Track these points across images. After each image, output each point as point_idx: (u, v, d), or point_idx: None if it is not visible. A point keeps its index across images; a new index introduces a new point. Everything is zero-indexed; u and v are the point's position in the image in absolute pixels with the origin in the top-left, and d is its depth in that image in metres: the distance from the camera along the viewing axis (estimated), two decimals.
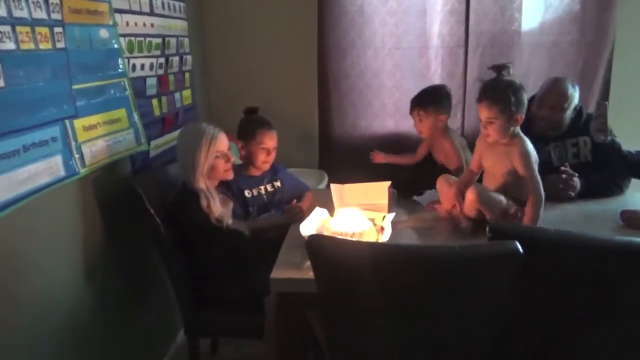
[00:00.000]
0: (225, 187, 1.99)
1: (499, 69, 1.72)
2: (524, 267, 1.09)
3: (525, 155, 1.69)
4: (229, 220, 1.84)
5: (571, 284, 1.20)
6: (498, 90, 1.67)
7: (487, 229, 1.23)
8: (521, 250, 1.07)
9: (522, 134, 1.73)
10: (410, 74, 2.80)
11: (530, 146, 1.71)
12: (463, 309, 1.18)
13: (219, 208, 1.82)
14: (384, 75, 2.82)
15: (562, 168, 2.00)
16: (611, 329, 1.25)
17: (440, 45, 2.76)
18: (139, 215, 1.81)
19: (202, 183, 1.83)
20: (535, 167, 1.69)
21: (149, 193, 1.81)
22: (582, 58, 2.69)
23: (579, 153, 2.12)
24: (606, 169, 2.06)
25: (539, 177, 1.68)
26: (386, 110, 2.87)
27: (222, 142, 1.87)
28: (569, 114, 2.12)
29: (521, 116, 1.68)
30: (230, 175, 1.93)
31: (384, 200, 1.88)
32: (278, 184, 2.15)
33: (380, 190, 1.89)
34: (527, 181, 1.68)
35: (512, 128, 1.69)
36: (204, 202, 1.79)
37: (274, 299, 1.61)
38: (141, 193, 1.79)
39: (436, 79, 2.78)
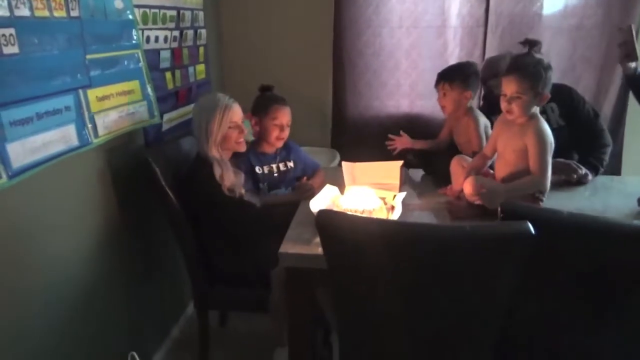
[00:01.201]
0: (237, 161, 1.99)
1: (531, 44, 1.66)
2: (535, 249, 1.08)
3: (540, 132, 1.64)
4: (241, 191, 1.85)
5: (583, 268, 1.18)
6: (529, 65, 1.62)
7: (499, 209, 1.22)
8: (533, 231, 1.05)
9: (539, 115, 1.69)
10: (427, 54, 2.77)
11: (547, 127, 1.68)
12: (471, 288, 1.17)
13: (231, 178, 1.84)
14: (400, 54, 2.78)
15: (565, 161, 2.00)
16: (621, 318, 1.23)
17: (459, 25, 2.71)
18: (151, 187, 1.82)
19: (216, 152, 1.85)
20: (549, 149, 1.65)
21: (161, 166, 1.82)
22: (605, 40, 2.62)
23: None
24: (581, 140, 2.11)
25: (549, 161, 1.65)
26: (401, 90, 2.84)
27: (236, 112, 1.89)
28: None
29: (547, 95, 1.64)
30: (242, 147, 1.94)
31: (396, 180, 1.87)
32: (291, 164, 2.15)
33: (392, 170, 1.88)
34: (535, 160, 1.64)
35: (534, 107, 1.66)
36: (217, 171, 1.82)
37: (281, 273, 1.62)
38: (153, 165, 1.79)
39: (453, 60, 2.73)
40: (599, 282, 1.20)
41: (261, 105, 2.07)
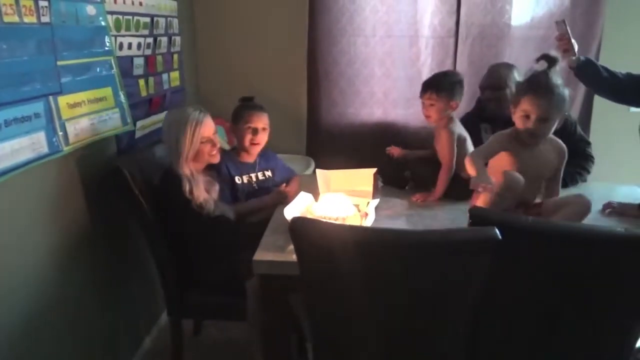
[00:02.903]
0: (215, 170, 1.99)
1: (551, 61, 1.60)
2: (502, 255, 1.11)
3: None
4: (210, 207, 1.83)
5: (548, 274, 1.22)
6: (557, 87, 1.56)
7: (468, 214, 1.25)
8: (499, 236, 1.08)
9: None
10: (400, 62, 2.81)
11: None
12: (442, 292, 1.19)
13: (202, 194, 1.82)
14: (374, 63, 2.82)
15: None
16: (585, 322, 1.27)
17: (430, 35, 2.76)
18: (123, 195, 1.80)
19: (186, 169, 1.83)
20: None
21: (133, 174, 1.80)
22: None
23: None
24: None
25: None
26: (374, 98, 2.88)
27: (208, 127, 1.87)
28: (509, 92, 2.24)
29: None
30: (216, 159, 1.93)
31: (369, 187, 1.89)
32: (269, 173, 2.16)
33: (365, 177, 1.90)
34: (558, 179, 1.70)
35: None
36: (186, 188, 1.79)
37: (255, 282, 1.62)
38: (126, 173, 1.78)
39: (426, 69, 2.79)
40: (559, 288, 1.23)
41: (236, 113, 2.09)
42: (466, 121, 2.16)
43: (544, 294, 1.24)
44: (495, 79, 2.32)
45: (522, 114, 1.61)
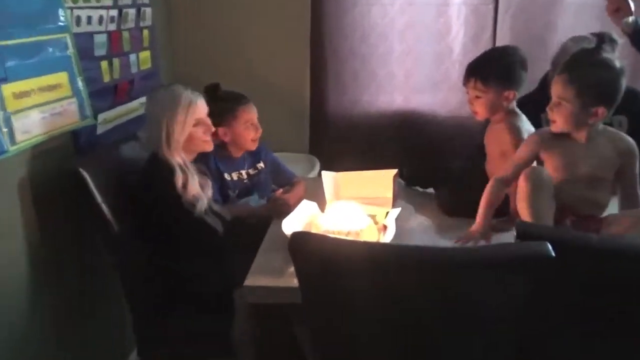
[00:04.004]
0: (203, 164, 2.03)
1: (602, 39, 1.59)
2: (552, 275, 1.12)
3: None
4: (203, 205, 1.87)
5: (610, 298, 1.22)
6: (586, 66, 1.58)
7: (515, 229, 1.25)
8: (552, 253, 1.08)
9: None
10: (426, 36, 2.81)
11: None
12: (481, 320, 1.19)
13: (196, 187, 1.87)
14: (393, 37, 2.82)
15: None
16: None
17: (463, 1, 2.76)
18: (83, 204, 1.80)
19: (178, 156, 1.88)
20: None
21: (95, 177, 1.81)
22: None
23: None
24: None
25: None
26: (395, 82, 2.88)
27: (201, 108, 1.94)
28: None
29: (603, 110, 1.59)
30: (209, 147, 2.00)
31: (389, 193, 1.88)
32: (261, 164, 2.24)
33: (383, 181, 1.89)
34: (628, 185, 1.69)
35: (590, 121, 1.63)
36: (179, 179, 1.83)
37: (247, 305, 1.62)
38: (86, 177, 1.78)
39: (457, 45, 2.78)
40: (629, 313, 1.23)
41: (224, 112, 2.09)
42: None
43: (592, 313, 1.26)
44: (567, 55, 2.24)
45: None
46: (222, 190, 2.12)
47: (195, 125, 1.91)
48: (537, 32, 2.71)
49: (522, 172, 1.64)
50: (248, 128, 2.12)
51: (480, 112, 1.88)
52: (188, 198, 1.84)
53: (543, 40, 2.70)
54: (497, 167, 1.86)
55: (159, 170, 1.86)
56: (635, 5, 1.94)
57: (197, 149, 1.97)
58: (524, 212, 1.60)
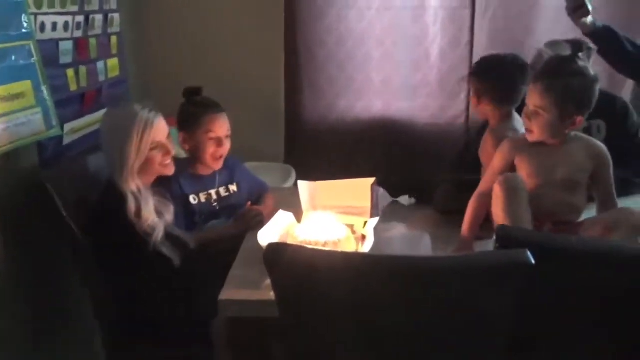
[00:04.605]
0: (165, 187, 1.97)
1: (576, 47, 1.67)
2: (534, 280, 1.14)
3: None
4: (160, 233, 1.81)
5: (592, 301, 1.25)
6: (563, 75, 1.63)
7: (495, 236, 1.27)
8: (532, 260, 1.10)
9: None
10: (403, 41, 2.84)
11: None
12: (461, 330, 1.21)
13: (151, 215, 1.81)
14: (371, 42, 2.84)
15: None
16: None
17: (439, 5, 2.80)
18: (49, 220, 1.79)
19: (132, 184, 1.81)
20: None
21: (62, 191, 1.79)
22: (616, 22, 2.73)
23: None
24: (627, 162, 2.07)
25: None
26: (372, 87, 2.90)
27: (160, 130, 1.86)
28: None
29: (581, 119, 1.66)
30: (170, 170, 1.92)
31: (366, 202, 1.90)
32: (234, 187, 2.15)
33: (361, 189, 1.90)
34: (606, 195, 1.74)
35: (566, 131, 1.69)
36: (131, 208, 1.77)
37: (224, 327, 1.62)
38: (51, 191, 1.77)
39: (435, 49, 2.82)
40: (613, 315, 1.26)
41: (189, 117, 2.05)
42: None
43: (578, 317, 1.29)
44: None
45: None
46: (187, 217, 2.03)
47: (152, 149, 1.83)
48: (515, 37, 2.75)
49: (497, 180, 1.67)
50: (210, 140, 2.02)
51: (482, 115, 2.07)
52: (143, 228, 1.77)
53: (521, 45, 2.73)
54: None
55: (110, 201, 1.81)
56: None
57: (155, 173, 1.89)
58: (499, 219, 1.63)
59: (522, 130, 1.89)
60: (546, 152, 1.71)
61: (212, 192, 2.10)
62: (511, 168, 1.76)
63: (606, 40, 1.95)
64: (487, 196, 1.74)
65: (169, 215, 1.89)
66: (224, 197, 2.12)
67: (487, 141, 2.00)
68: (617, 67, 2.14)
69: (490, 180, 1.75)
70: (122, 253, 1.78)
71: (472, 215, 1.80)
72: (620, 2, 2.74)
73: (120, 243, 1.77)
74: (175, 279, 1.85)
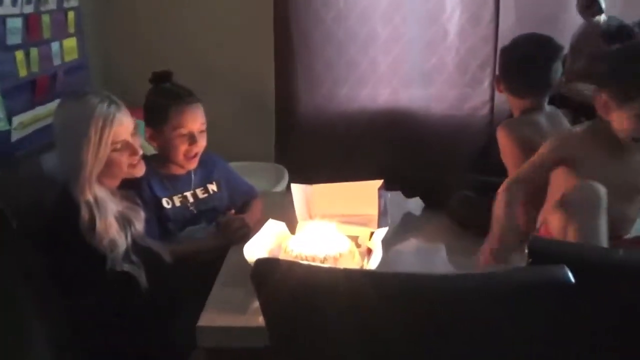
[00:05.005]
0: (135, 190, 1.95)
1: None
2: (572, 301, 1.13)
3: None
4: (119, 254, 1.78)
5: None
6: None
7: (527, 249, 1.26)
8: (571, 278, 1.10)
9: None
10: (415, 17, 2.84)
11: None
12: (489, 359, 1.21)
13: (110, 229, 1.78)
14: (376, 20, 2.85)
15: None
16: None
17: None
18: None
19: (88, 193, 1.78)
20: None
21: (10, 196, 1.78)
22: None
23: None
24: None
25: None
26: (378, 73, 2.91)
27: (123, 127, 1.83)
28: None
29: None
30: (139, 171, 1.90)
31: (373, 209, 1.89)
32: (214, 187, 2.15)
33: (367, 194, 1.90)
34: None
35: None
36: (83, 219, 1.74)
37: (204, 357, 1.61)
38: None
39: (453, 26, 2.81)
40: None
41: (155, 109, 2.03)
42: None
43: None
44: (594, 40, 2.29)
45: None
46: (160, 222, 2.02)
47: (115, 150, 1.81)
48: (547, 11, 2.75)
49: (569, 187, 1.61)
50: (180, 138, 2.00)
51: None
52: (100, 245, 1.75)
53: (554, 20, 2.74)
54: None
55: (62, 211, 1.79)
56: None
57: (121, 175, 1.88)
58: (568, 236, 1.57)
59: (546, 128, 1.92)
60: (610, 157, 1.68)
61: (188, 194, 2.09)
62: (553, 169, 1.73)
63: (620, 41, 1.96)
64: (526, 186, 1.72)
65: (139, 223, 1.88)
66: (202, 200, 2.11)
67: (499, 137, 1.99)
68: None
69: (530, 172, 1.73)
70: (78, 272, 1.76)
71: (505, 215, 1.74)
72: None
73: (74, 261, 1.76)
74: (143, 303, 1.83)
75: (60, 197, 1.83)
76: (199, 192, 2.11)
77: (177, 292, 1.84)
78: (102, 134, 1.77)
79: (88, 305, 1.80)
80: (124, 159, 1.84)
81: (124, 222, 1.84)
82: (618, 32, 1.72)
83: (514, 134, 1.93)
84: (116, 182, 1.89)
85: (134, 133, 1.88)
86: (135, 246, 1.83)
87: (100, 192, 1.81)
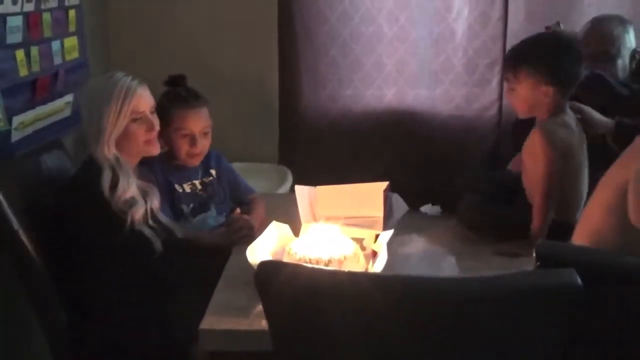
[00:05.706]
0: (148, 174, 2.05)
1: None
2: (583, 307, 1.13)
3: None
4: (138, 213, 1.86)
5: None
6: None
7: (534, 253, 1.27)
8: (579, 282, 1.10)
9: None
10: (421, 17, 2.84)
11: None
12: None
13: (131, 190, 1.87)
14: (381, 18, 2.84)
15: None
16: None
17: None
18: None
19: (109, 152, 1.89)
20: None
21: (10, 194, 1.79)
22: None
23: None
24: None
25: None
26: (383, 72, 2.90)
27: (143, 99, 1.95)
28: (620, 64, 2.26)
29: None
30: (154, 149, 2.01)
31: (378, 211, 1.89)
32: (213, 171, 2.26)
33: (372, 196, 1.90)
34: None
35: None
36: (106, 180, 1.83)
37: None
38: None
39: (461, 25, 2.81)
40: None
41: (160, 111, 2.10)
42: None
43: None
44: (597, 40, 2.32)
45: None
46: (174, 205, 2.13)
47: (133, 120, 1.92)
48: (558, 9, 2.74)
49: None
50: (182, 138, 2.14)
51: (518, 107, 1.99)
52: (118, 204, 1.84)
53: (563, 18, 2.72)
54: (534, 186, 1.89)
55: (84, 172, 1.89)
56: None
57: (137, 149, 1.98)
58: None
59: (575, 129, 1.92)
60: None
61: (196, 182, 2.22)
62: None
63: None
64: None
65: (156, 200, 1.97)
66: (208, 183, 2.24)
67: (534, 139, 1.94)
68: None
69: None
70: (96, 238, 1.82)
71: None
72: None
73: (94, 224, 1.82)
74: (151, 273, 1.88)
75: (83, 163, 1.93)
76: (205, 179, 2.24)
77: (180, 275, 1.88)
78: (123, 104, 1.90)
79: (99, 275, 1.84)
80: (141, 132, 1.95)
81: (143, 193, 1.93)
82: None
83: (552, 137, 1.88)
84: (133, 160, 1.99)
85: (153, 111, 1.99)
86: (153, 217, 1.93)
87: (121, 157, 1.91)
